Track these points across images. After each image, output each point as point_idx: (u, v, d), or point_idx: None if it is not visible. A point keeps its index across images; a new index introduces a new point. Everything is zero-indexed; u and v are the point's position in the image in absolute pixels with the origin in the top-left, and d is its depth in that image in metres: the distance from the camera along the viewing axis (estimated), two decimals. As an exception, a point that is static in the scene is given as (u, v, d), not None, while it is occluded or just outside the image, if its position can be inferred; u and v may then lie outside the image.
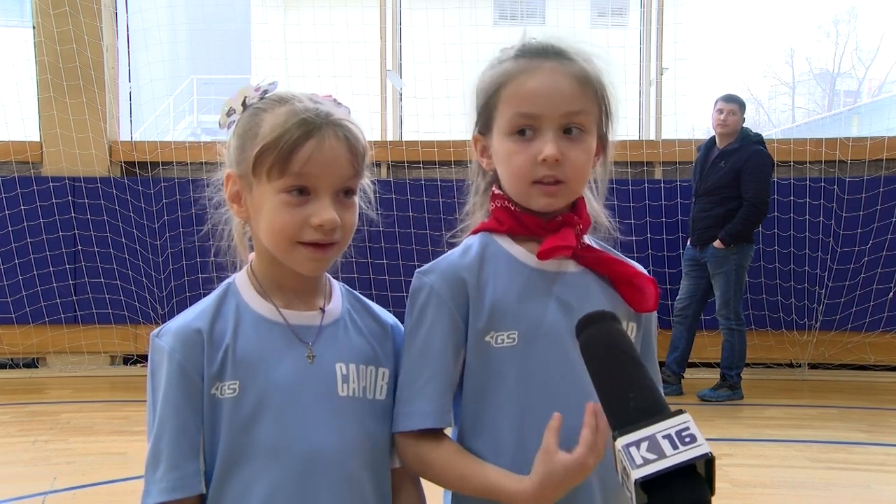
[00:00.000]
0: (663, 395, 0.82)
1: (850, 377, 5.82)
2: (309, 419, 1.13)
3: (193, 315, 1.15)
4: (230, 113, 1.18)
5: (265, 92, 1.17)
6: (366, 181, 1.20)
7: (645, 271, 1.26)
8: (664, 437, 0.73)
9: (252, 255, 1.22)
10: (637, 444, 0.73)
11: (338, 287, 1.26)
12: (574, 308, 1.16)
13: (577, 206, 1.23)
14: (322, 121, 1.11)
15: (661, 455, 0.72)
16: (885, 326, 5.80)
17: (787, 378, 5.84)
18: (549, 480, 1.05)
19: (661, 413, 0.76)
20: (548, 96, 1.16)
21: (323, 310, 1.20)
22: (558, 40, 1.21)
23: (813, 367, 5.92)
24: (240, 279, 1.20)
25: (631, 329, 1.23)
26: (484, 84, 1.22)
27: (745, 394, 5.19)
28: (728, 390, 5.14)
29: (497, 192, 1.25)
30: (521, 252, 1.22)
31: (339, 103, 1.18)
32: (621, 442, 0.74)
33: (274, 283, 1.19)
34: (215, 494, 1.12)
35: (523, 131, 1.17)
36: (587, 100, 1.18)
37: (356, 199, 1.17)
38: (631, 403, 0.77)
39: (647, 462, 0.72)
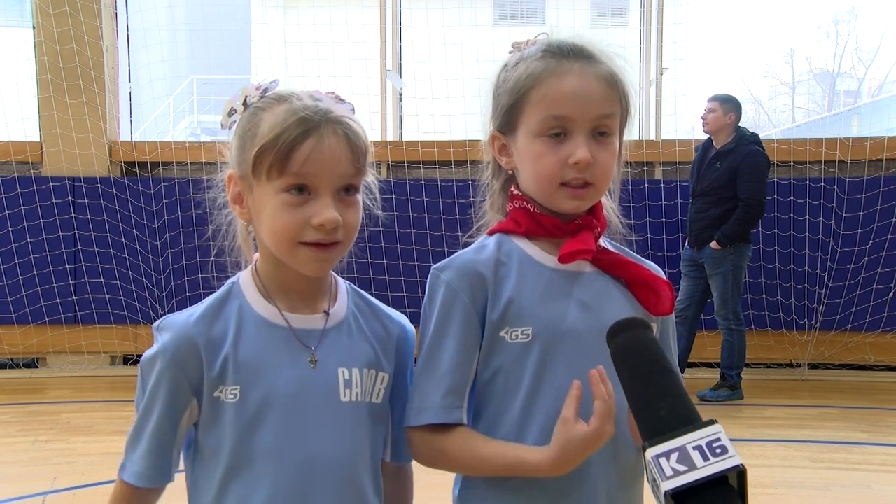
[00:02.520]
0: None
1: (850, 377, 5.82)
2: (311, 425, 1.13)
3: (194, 319, 1.14)
4: (231, 113, 1.17)
5: (266, 91, 1.15)
6: (370, 178, 1.19)
7: (661, 273, 1.26)
8: (694, 447, 0.72)
9: (256, 256, 1.21)
10: (667, 454, 0.72)
11: (344, 288, 1.24)
12: (593, 308, 1.17)
13: (595, 208, 1.23)
14: (321, 118, 1.10)
15: (692, 466, 0.71)
16: (885, 326, 5.79)
17: (787, 378, 5.83)
18: (568, 449, 1.06)
19: (693, 423, 0.74)
20: (580, 99, 1.16)
21: (327, 312, 1.18)
22: (586, 42, 1.20)
23: (813, 367, 5.91)
24: (244, 280, 1.19)
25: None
26: (510, 83, 1.20)
27: (745, 394, 5.19)
28: (728, 390, 5.13)
29: (516, 192, 1.24)
30: (538, 253, 1.22)
31: (342, 100, 1.16)
32: (651, 452, 0.73)
33: (278, 285, 1.18)
34: (218, 496, 1.13)
35: (555, 133, 1.17)
36: (615, 102, 1.19)
37: (359, 197, 1.16)
38: (662, 413, 0.76)
39: (676, 473, 0.71)
